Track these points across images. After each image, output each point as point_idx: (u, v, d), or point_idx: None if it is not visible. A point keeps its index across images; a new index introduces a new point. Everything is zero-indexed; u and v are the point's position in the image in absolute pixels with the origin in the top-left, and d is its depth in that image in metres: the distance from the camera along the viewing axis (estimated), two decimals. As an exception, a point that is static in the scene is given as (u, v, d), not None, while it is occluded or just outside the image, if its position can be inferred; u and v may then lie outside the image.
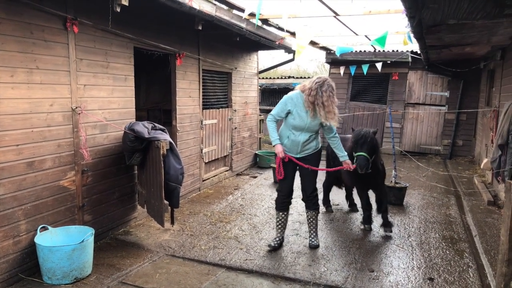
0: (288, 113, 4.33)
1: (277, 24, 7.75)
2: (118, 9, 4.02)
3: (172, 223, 5.09)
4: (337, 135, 4.56)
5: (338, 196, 6.50)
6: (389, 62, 10.17)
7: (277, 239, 4.61)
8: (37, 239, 3.76)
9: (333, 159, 5.38)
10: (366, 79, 11.50)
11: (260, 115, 9.90)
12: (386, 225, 5.03)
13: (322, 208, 5.95)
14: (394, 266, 4.20)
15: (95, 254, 4.09)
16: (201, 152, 7.02)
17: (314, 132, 4.39)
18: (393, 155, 6.57)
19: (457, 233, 5.15)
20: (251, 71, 9.06)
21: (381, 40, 6.48)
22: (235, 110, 8.30)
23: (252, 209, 6.11)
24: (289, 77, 15.53)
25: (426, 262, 4.29)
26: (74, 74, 4.20)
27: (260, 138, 10.03)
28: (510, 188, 2.92)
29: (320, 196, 6.16)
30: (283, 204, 4.55)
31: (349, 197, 6.17)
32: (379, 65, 9.68)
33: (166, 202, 4.52)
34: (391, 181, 6.34)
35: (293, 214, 5.79)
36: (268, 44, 7.91)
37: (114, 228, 4.96)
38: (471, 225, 5.40)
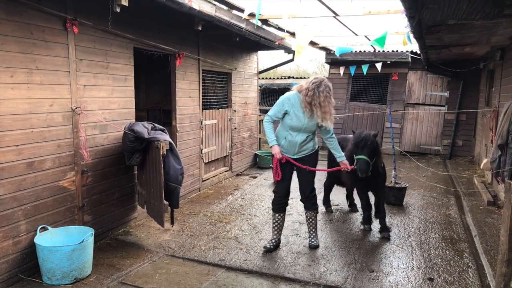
0: (285, 113, 4.31)
1: (276, 25, 7.75)
2: (118, 10, 4.02)
3: (172, 223, 5.09)
4: (334, 136, 4.55)
5: (338, 196, 6.50)
6: (388, 62, 10.18)
7: (273, 240, 4.60)
8: (37, 240, 3.76)
9: (334, 159, 5.37)
10: (365, 79, 11.51)
11: (260, 115, 9.90)
12: (384, 229, 5.02)
13: (322, 208, 5.96)
14: (394, 266, 4.20)
15: (95, 255, 4.09)
16: (201, 153, 7.02)
17: (311, 132, 4.37)
18: (393, 155, 6.57)
19: (456, 233, 5.15)
20: (251, 72, 9.06)
21: (381, 40, 6.48)
22: (235, 111, 8.30)
23: (252, 209, 6.12)
24: (289, 77, 15.53)
25: (426, 262, 4.29)
26: (74, 74, 4.20)
27: (260, 138, 10.02)
28: (509, 188, 2.92)
29: (321, 196, 6.18)
30: (279, 205, 4.53)
31: (349, 197, 6.17)
32: (378, 65, 9.68)
33: (166, 202, 4.53)
34: (391, 181, 6.34)
35: (292, 214, 5.80)
36: (267, 44, 7.92)
37: (114, 229, 4.96)
38: (470, 225, 5.41)
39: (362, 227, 5.30)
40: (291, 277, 3.92)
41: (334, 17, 6.70)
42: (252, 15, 6.51)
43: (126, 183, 5.13)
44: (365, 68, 9.49)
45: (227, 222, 5.49)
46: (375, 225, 5.26)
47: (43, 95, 3.87)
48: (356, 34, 8.58)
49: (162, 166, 4.41)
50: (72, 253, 3.69)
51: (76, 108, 4.23)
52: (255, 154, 9.52)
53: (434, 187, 7.48)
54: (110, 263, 4.18)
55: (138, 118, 5.43)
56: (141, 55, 5.87)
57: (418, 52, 8.60)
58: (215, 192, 7.08)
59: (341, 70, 10.66)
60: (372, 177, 4.76)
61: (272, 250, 4.51)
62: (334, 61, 11.57)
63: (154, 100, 8.86)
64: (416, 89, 11.26)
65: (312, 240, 4.65)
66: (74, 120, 4.24)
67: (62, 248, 3.67)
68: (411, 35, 5.95)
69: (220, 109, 7.71)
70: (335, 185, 6.11)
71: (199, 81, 6.73)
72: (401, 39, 7.74)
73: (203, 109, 6.99)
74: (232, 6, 6.62)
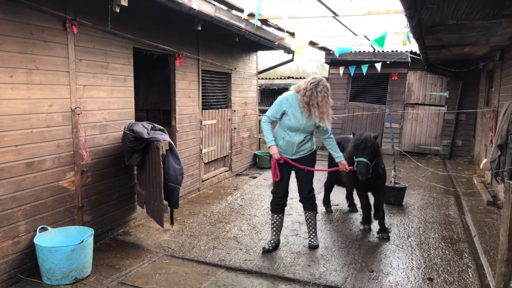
0: (283, 114, 4.30)
1: (276, 25, 7.75)
2: (118, 10, 4.02)
3: (172, 223, 5.09)
4: (332, 136, 4.54)
5: (337, 196, 6.50)
6: (388, 62, 10.18)
7: (272, 241, 4.59)
8: (36, 240, 3.76)
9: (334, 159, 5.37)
10: (365, 79, 11.51)
11: (259, 116, 9.89)
12: (383, 230, 5.01)
13: (322, 208, 5.96)
14: (393, 266, 4.21)
15: (94, 255, 4.09)
16: (201, 153, 7.02)
17: (309, 133, 4.36)
18: (392, 155, 6.57)
19: (456, 233, 5.15)
20: (250, 72, 9.06)
21: (380, 41, 6.48)
22: (234, 111, 8.30)
23: (251, 209, 6.11)
24: (289, 77, 15.52)
25: (425, 262, 4.29)
26: (73, 74, 4.20)
27: (259, 138, 10.03)
28: (509, 188, 2.92)
29: (320, 196, 6.18)
30: (278, 206, 4.53)
31: (349, 197, 6.17)
32: (378, 66, 9.68)
33: (165, 202, 4.53)
34: (391, 181, 6.33)
35: (292, 214, 5.80)
36: (267, 44, 7.92)
37: (114, 229, 4.96)
38: (470, 225, 5.41)
39: (361, 227, 5.30)
40: (291, 277, 3.92)
41: (334, 17, 6.70)
42: (251, 15, 6.51)
43: (125, 183, 5.13)
44: (364, 68, 9.49)
45: (227, 222, 5.49)
46: (375, 225, 5.26)
47: (42, 95, 3.87)
48: (355, 34, 8.58)
49: (162, 166, 4.41)
50: (71, 254, 3.69)
51: (75, 108, 4.23)
52: (255, 154, 9.52)
53: (433, 187, 7.48)
54: (109, 263, 4.18)
55: (138, 118, 5.42)
56: (141, 55, 5.87)
57: (418, 52, 8.60)
58: (215, 192, 7.08)
59: (341, 70, 10.67)
60: (372, 178, 4.74)
61: (271, 251, 4.50)
62: (333, 61, 11.57)
63: (154, 100, 8.86)
64: (415, 89, 11.27)
65: (312, 240, 4.65)
66: (74, 120, 4.23)
67: (62, 249, 3.67)
68: (411, 35, 5.95)
69: (220, 109, 7.71)
70: (335, 185, 6.11)
71: (198, 81, 6.73)
72: (400, 39, 7.74)
73: (202, 109, 6.99)
74: (231, 6, 6.61)
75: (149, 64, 7.31)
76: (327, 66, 13.26)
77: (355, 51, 10.90)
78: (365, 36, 9.02)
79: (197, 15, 5.16)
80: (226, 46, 7.54)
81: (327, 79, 11.94)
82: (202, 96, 6.95)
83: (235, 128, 8.35)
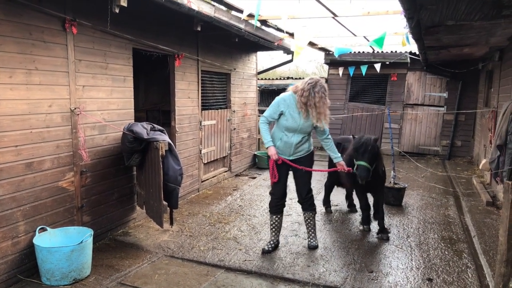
0: (281, 114, 4.30)
1: (275, 25, 7.75)
2: (117, 10, 4.02)
3: (171, 224, 5.09)
4: (329, 136, 4.53)
5: (337, 196, 6.50)
6: (387, 63, 10.19)
7: (271, 242, 4.59)
8: (35, 240, 3.76)
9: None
10: (364, 80, 11.52)
11: (259, 116, 9.89)
12: (382, 231, 5.01)
13: (321, 208, 5.97)
14: (393, 266, 4.21)
15: (94, 255, 4.09)
16: (200, 153, 7.02)
17: (306, 133, 4.36)
18: (392, 156, 6.58)
19: (456, 234, 5.15)
20: (250, 72, 9.07)
21: (379, 41, 6.49)
22: (234, 111, 8.30)
23: (251, 209, 6.12)
24: (288, 78, 15.51)
25: (425, 263, 4.29)
26: (73, 75, 4.20)
27: (259, 139, 10.03)
28: (508, 189, 2.92)
29: (320, 196, 6.18)
30: (277, 207, 4.53)
31: (348, 198, 6.17)
32: (377, 66, 9.70)
33: (165, 203, 4.52)
34: (390, 182, 6.34)
35: (292, 214, 5.80)
36: (267, 45, 7.92)
37: (113, 229, 4.96)
38: (469, 226, 5.41)
39: (361, 227, 5.30)
40: (290, 277, 3.92)
41: (333, 17, 6.70)
42: (251, 15, 6.51)
43: (125, 183, 5.13)
44: (364, 69, 9.51)
45: (226, 222, 5.49)
46: (374, 225, 5.27)
47: (42, 95, 3.87)
48: (355, 35, 8.59)
49: (161, 166, 4.41)
50: (71, 254, 3.68)
51: (75, 108, 4.23)
52: (254, 155, 9.53)
53: (433, 187, 7.49)
54: (109, 263, 4.18)
55: (137, 119, 5.42)
56: (140, 56, 5.87)
57: (417, 52, 8.62)
58: (214, 193, 7.08)
59: (340, 70, 10.68)
60: (372, 180, 4.73)
61: (270, 251, 4.50)
62: (333, 62, 11.58)
63: (153, 100, 8.86)
64: (415, 89, 11.28)
65: (311, 240, 4.65)
66: (73, 121, 4.23)
67: (61, 249, 3.67)
68: (410, 36, 5.96)
69: (219, 110, 7.71)
70: (335, 186, 6.11)
71: (198, 82, 6.73)
72: (400, 39, 7.76)
73: (202, 110, 6.99)
74: (231, 7, 6.62)
75: (149, 65, 7.31)
76: (326, 67, 13.28)
77: (355, 52, 10.91)
78: (364, 37, 9.03)
79: (196, 16, 5.17)
80: (225, 47, 7.54)
81: (327, 79, 11.97)
82: (202, 96, 6.95)
83: (234, 129, 8.36)
